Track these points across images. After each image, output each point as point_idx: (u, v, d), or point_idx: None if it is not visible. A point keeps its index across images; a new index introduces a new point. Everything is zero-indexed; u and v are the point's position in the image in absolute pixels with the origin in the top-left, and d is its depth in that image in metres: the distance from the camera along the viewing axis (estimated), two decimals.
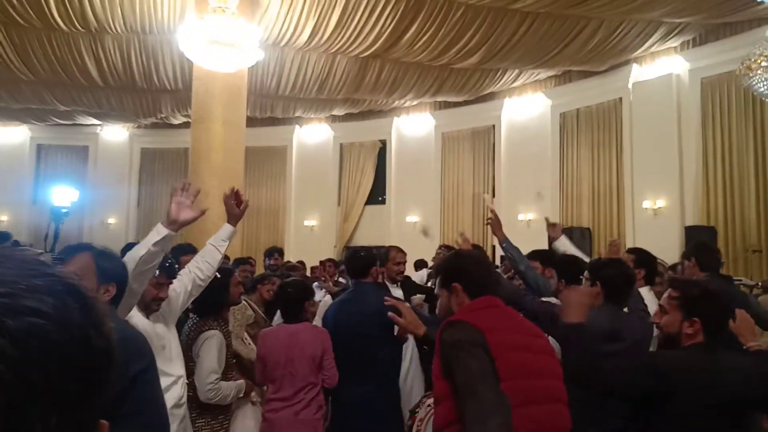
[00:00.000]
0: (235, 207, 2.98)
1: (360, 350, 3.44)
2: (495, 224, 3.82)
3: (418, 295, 4.29)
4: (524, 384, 1.77)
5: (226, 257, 5.57)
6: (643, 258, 3.67)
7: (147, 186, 16.55)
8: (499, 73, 12.20)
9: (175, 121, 14.81)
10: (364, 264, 3.67)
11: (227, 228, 2.97)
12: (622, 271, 3.02)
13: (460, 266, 2.09)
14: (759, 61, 7.10)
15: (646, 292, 3.54)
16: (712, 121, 10.11)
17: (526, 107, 13.09)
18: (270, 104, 13.63)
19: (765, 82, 7.19)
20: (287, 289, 3.60)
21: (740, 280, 7.71)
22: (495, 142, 13.61)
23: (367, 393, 3.38)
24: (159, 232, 2.50)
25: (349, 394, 3.42)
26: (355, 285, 3.73)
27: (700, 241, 4.35)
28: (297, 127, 15.82)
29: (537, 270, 3.88)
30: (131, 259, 2.38)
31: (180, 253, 3.99)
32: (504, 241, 3.79)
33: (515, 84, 12.90)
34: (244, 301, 5.24)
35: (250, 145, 12.97)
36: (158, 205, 15.46)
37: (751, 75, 7.22)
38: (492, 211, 3.28)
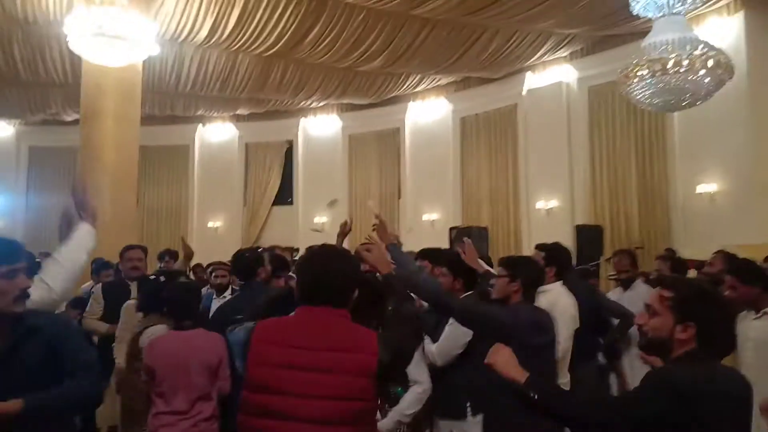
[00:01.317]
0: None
1: None
2: (380, 229, 3.33)
3: None
4: (263, 398, 1.88)
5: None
6: (553, 255, 3.73)
7: (36, 188, 15.47)
8: (402, 77, 12.43)
9: (68, 118, 13.94)
10: (249, 264, 3.59)
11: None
12: (539, 269, 3.15)
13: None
14: (635, 70, 7.63)
15: (559, 287, 3.62)
16: (598, 127, 10.78)
17: (428, 111, 13.42)
18: (170, 102, 13.16)
19: (641, 91, 7.74)
20: (176, 293, 3.41)
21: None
22: (400, 144, 13.86)
23: None
24: (92, 234, 2.52)
25: None
26: (243, 286, 3.64)
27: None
28: (200, 125, 15.35)
29: (427, 269, 3.87)
30: (73, 267, 2.42)
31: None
32: (390, 247, 3.35)
33: (418, 88, 13.18)
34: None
35: (148, 143, 12.52)
36: (49, 207, 14.45)
37: (628, 83, 7.74)
38: (377, 216, 3.19)
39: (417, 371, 2.93)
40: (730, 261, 4.30)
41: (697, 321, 1.77)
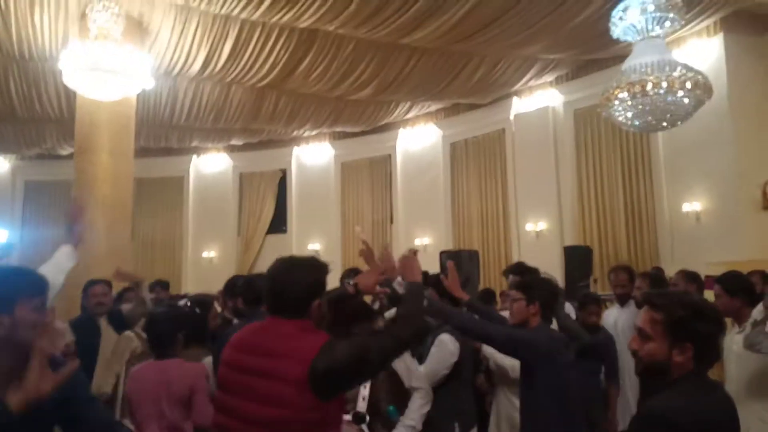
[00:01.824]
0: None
1: None
2: (367, 255, 3.18)
3: None
4: (219, 395, 2.07)
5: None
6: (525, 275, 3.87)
7: (32, 222, 15.55)
8: (392, 105, 12.67)
9: (63, 152, 14.11)
10: (260, 291, 3.56)
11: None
12: (554, 288, 3.13)
13: None
14: (615, 92, 7.81)
15: None
16: (584, 149, 10.98)
17: (419, 138, 13.66)
18: (164, 134, 13.34)
19: (622, 112, 7.93)
20: (154, 322, 3.30)
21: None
22: (392, 171, 14.06)
23: None
24: (72, 257, 2.69)
25: None
26: (251, 314, 3.48)
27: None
28: (194, 156, 15.55)
29: None
30: (53, 288, 2.47)
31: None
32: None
33: (408, 115, 13.44)
34: (132, 332, 5.01)
35: (143, 175, 12.68)
36: (45, 241, 14.49)
37: (609, 106, 7.93)
38: (364, 242, 3.23)
39: (412, 378, 2.93)
40: (691, 279, 4.45)
41: (693, 341, 1.72)
